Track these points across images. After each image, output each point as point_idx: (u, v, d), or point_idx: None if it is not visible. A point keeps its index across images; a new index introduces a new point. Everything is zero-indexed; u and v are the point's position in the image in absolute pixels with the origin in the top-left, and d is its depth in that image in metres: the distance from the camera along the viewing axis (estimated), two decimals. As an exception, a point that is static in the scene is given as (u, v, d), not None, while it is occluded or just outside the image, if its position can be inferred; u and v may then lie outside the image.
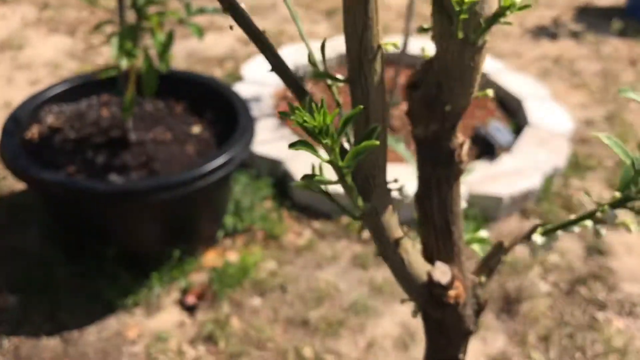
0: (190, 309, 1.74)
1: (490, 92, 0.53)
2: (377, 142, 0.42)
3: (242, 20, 0.46)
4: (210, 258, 1.87)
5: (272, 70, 0.49)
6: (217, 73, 2.89)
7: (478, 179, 2.12)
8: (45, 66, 2.85)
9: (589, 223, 0.51)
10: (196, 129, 1.95)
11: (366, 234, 2.02)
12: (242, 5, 0.47)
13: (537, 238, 0.53)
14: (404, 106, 2.72)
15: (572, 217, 0.51)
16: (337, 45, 2.96)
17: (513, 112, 2.65)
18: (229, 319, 1.70)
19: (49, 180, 1.54)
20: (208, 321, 1.69)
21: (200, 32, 1.61)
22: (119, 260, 1.76)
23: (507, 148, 2.32)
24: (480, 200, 2.08)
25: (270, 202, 2.09)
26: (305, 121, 0.40)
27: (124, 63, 1.57)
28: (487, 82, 2.79)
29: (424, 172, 0.55)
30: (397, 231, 0.52)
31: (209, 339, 1.66)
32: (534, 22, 3.55)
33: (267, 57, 0.48)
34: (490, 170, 2.18)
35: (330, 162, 0.43)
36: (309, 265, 1.88)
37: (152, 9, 1.63)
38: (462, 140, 0.52)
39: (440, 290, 0.54)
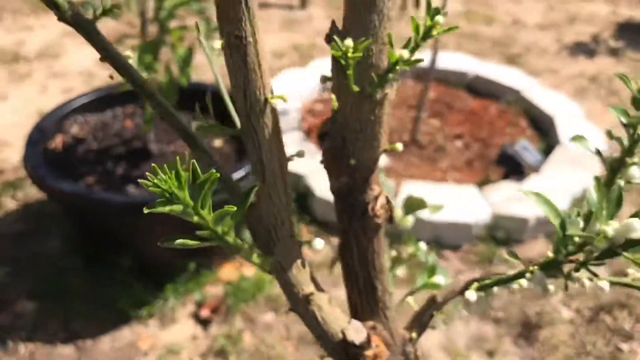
0: (204, 323, 1.73)
1: (399, 146, 0.50)
2: (234, 208, 0.41)
3: (123, 70, 0.44)
4: (226, 271, 1.87)
5: (161, 118, 0.48)
6: (247, 85, 2.90)
7: (503, 200, 2.07)
8: (80, 75, 2.91)
9: (523, 282, 0.48)
10: (218, 142, 1.96)
11: (385, 252, 1.99)
12: (129, 53, 0.45)
13: (471, 294, 0.50)
14: (433, 122, 2.68)
15: (510, 272, 0.49)
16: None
17: (545, 131, 2.58)
18: (241, 334, 1.69)
19: (67, 191, 1.56)
20: (220, 335, 1.69)
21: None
22: (135, 270, 1.78)
23: (536, 168, 2.26)
24: (505, 221, 2.03)
25: (290, 217, 2.08)
26: (155, 184, 0.38)
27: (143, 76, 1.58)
28: (519, 99, 2.73)
29: (342, 225, 0.53)
30: (307, 286, 0.50)
31: (221, 354, 1.65)
32: (572, 39, 3.47)
33: (152, 106, 0.47)
34: (516, 190, 2.12)
35: (197, 222, 0.41)
36: (325, 282, 1.85)
37: (173, 24, 1.65)
38: (377, 193, 0.49)
39: (355, 350, 0.51)
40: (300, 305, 0.49)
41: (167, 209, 0.39)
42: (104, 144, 1.89)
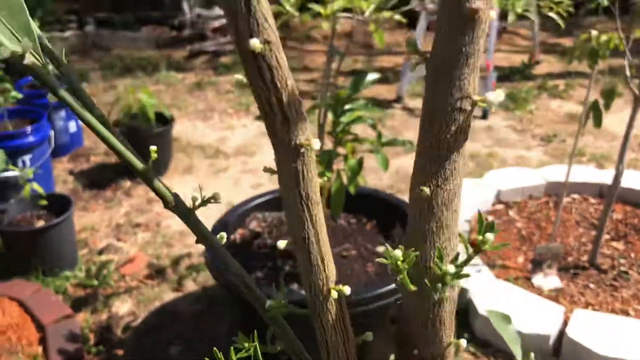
0: None
1: (462, 342, 0.49)
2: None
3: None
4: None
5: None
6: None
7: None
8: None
9: None
10: (382, 249, 2.01)
11: (546, 382, 1.86)
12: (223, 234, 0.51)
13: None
14: (616, 244, 2.51)
15: None
16: (548, 174, 2.87)
17: None
18: None
19: (232, 283, 1.70)
20: None
21: (386, 164, 1.70)
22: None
23: None
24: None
25: (448, 331, 2.03)
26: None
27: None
28: None
29: None
30: None
31: None
32: None
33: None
34: None
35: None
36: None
37: (347, 137, 1.77)
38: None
39: None
40: None
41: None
42: (277, 241, 2.03)
